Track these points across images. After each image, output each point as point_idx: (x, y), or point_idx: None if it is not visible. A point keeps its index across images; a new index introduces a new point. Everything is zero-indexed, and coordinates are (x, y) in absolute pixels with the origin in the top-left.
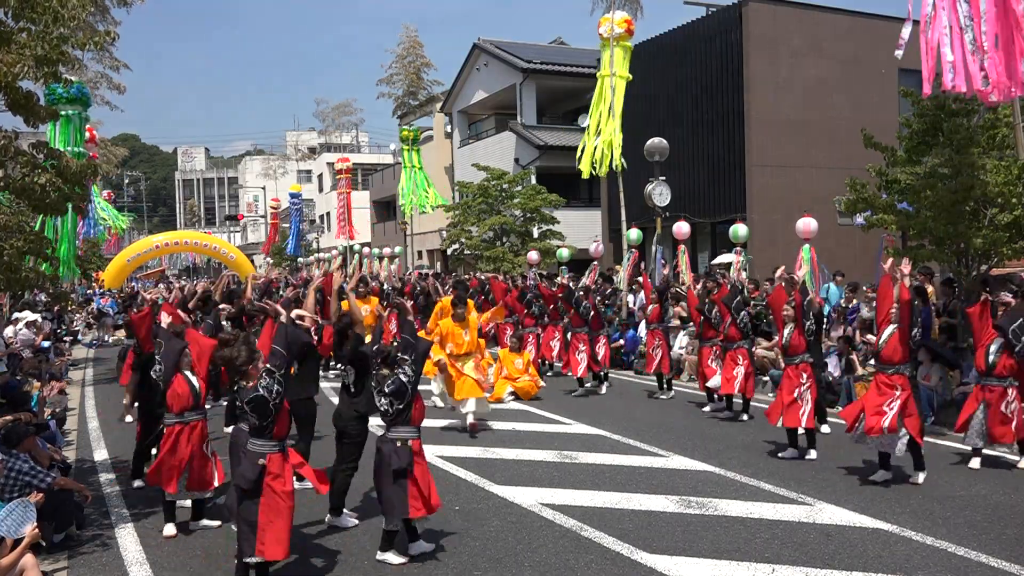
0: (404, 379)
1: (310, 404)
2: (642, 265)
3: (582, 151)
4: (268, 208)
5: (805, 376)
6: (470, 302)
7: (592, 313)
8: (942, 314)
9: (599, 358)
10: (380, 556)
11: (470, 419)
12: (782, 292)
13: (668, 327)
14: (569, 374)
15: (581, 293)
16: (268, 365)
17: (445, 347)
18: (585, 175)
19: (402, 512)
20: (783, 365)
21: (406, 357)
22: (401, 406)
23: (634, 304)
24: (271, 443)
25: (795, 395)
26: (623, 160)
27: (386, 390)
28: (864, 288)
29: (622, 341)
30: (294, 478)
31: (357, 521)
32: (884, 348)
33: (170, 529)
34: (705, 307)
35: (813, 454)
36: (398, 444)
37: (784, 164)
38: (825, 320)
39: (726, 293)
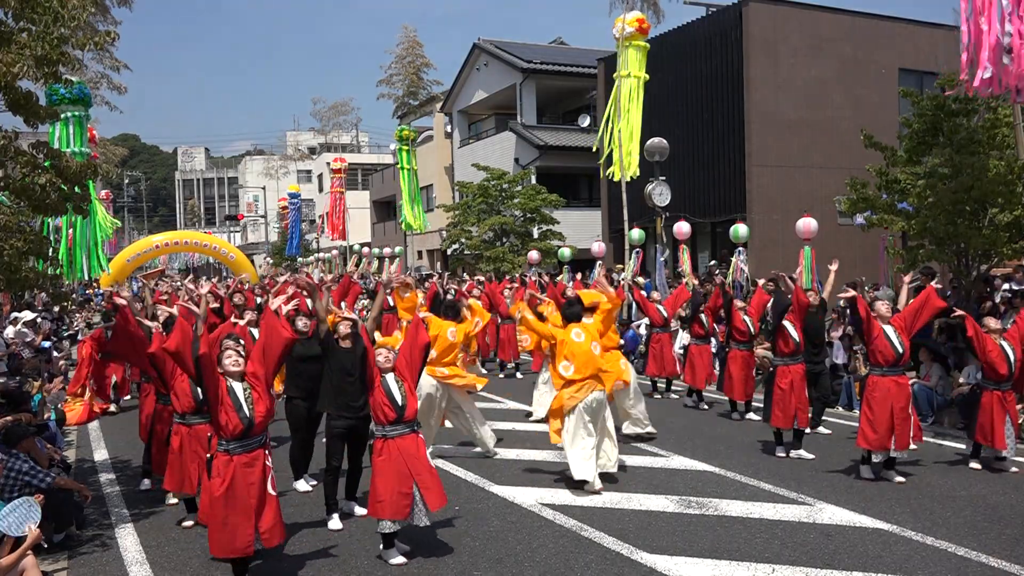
0: None
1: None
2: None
3: (607, 154)
4: (277, 208)
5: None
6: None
7: None
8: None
9: None
10: (381, 555)
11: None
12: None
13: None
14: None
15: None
16: None
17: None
18: (616, 178)
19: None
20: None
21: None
22: None
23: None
24: None
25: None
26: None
27: None
28: (867, 288)
29: (622, 341)
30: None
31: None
32: None
33: (189, 521)
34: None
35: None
36: None
37: (784, 164)
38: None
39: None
